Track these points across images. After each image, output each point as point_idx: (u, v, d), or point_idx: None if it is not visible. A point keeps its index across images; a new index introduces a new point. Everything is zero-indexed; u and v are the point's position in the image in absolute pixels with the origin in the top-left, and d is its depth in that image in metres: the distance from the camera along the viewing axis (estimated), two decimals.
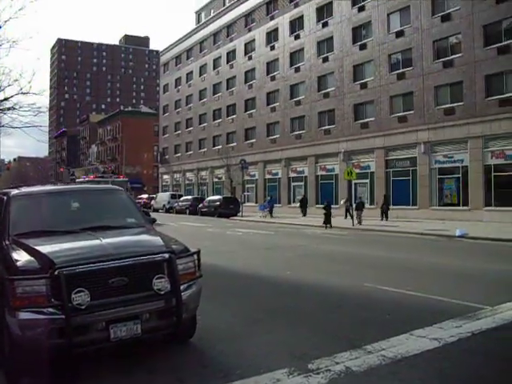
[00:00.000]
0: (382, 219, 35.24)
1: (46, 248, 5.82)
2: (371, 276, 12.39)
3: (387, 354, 6.24)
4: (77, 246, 6.06)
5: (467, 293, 10.04)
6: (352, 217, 32.43)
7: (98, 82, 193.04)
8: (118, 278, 5.54)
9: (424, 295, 9.82)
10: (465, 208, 34.68)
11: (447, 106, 36.16)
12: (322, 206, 33.63)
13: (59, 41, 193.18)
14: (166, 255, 5.94)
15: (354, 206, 33.57)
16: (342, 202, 39.50)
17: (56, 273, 5.26)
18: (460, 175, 35.52)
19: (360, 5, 43.43)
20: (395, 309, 8.86)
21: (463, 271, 13.27)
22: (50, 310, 5.24)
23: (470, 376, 5.76)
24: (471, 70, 34.40)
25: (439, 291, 10.12)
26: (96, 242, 6.05)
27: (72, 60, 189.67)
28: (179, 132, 73.60)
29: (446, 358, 6.21)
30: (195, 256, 6.45)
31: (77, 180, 38.30)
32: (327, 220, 31.17)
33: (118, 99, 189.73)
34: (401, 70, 39.67)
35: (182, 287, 5.95)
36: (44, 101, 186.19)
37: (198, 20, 74.63)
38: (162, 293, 5.78)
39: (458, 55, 35.50)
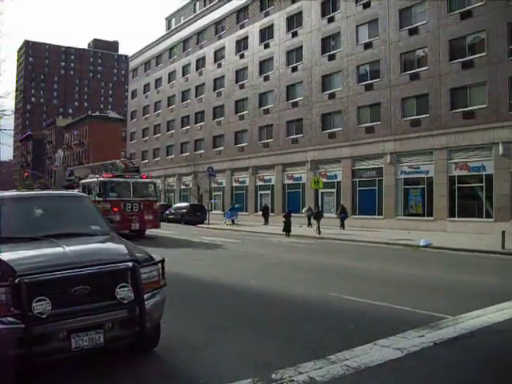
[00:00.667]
0: (341, 228, 35.63)
1: (6, 255, 5.70)
2: (336, 285, 12.46)
3: (351, 363, 6.27)
4: (39, 253, 5.95)
5: (430, 302, 10.16)
6: (311, 225, 32.97)
7: (65, 86, 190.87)
8: (80, 287, 5.45)
9: (388, 305, 9.91)
10: (429, 218, 35.17)
11: (413, 117, 36.72)
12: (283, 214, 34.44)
13: (26, 43, 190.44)
14: (130, 264, 5.87)
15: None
16: (303, 211, 40.01)
17: (16, 281, 5.14)
18: (425, 186, 36.04)
19: (329, 16, 43.87)
20: (359, 318, 8.91)
21: (426, 281, 13.44)
22: (10, 319, 5.11)
23: None
24: (437, 83, 35.03)
25: (403, 301, 10.23)
26: (59, 249, 5.95)
27: (39, 63, 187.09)
28: (147, 138, 73.18)
29: (409, 367, 6.28)
30: (159, 265, 6.39)
31: (82, 182, 30.37)
32: (286, 228, 31.69)
33: (85, 104, 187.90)
34: (368, 82, 40.15)
35: (145, 296, 5.89)
36: (9, 103, 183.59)
37: (168, 26, 74.42)
38: (125, 302, 5.70)
39: (424, 68, 36.12)
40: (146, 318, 5.82)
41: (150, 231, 29.66)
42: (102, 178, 27.75)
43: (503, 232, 22.05)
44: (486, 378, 6.08)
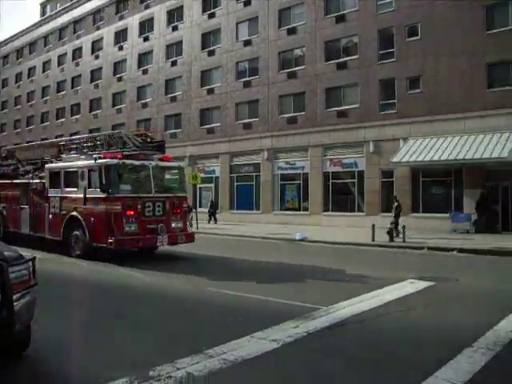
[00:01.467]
0: (209, 222, 36.61)
1: None
2: (214, 279, 12.57)
3: (228, 357, 6.37)
4: None
5: (304, 294, 10.55)
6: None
7: None
8: None
9: (264, 298, 10.16)
10: (305, 213, 36.29)
11: (290, 115, 37.69)
12: None
13: None
14: None
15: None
16: None
17: None
18: (301, 181, 37.12)
19: (210, 12, 43.94)
20: (236, 312, 9.07)
21: (301, 273, 13.88)
22: None
23: (308, 373, 6.05)
24: (313, 82, 36.20)
25: (278, 293, 10.53)
26: None
27: None
28: (19, 130, 69.55)
29: (284, 358, 6.51)
30: (30, 263, 6.06)
31: (48, 166, 19.31)
32: None
33: None
34: (247, 78, 40.71)
35: (14, 297, 5.55)
36: None
37: (43, 13, 71.17)
38: None
39: (301, 67, 37.19)
40: (15, 319, 5.51)
41: None
42: (104, 160, 16.23)
43: (373, 225, 23.28)
44: (354, 364, 6.41)
